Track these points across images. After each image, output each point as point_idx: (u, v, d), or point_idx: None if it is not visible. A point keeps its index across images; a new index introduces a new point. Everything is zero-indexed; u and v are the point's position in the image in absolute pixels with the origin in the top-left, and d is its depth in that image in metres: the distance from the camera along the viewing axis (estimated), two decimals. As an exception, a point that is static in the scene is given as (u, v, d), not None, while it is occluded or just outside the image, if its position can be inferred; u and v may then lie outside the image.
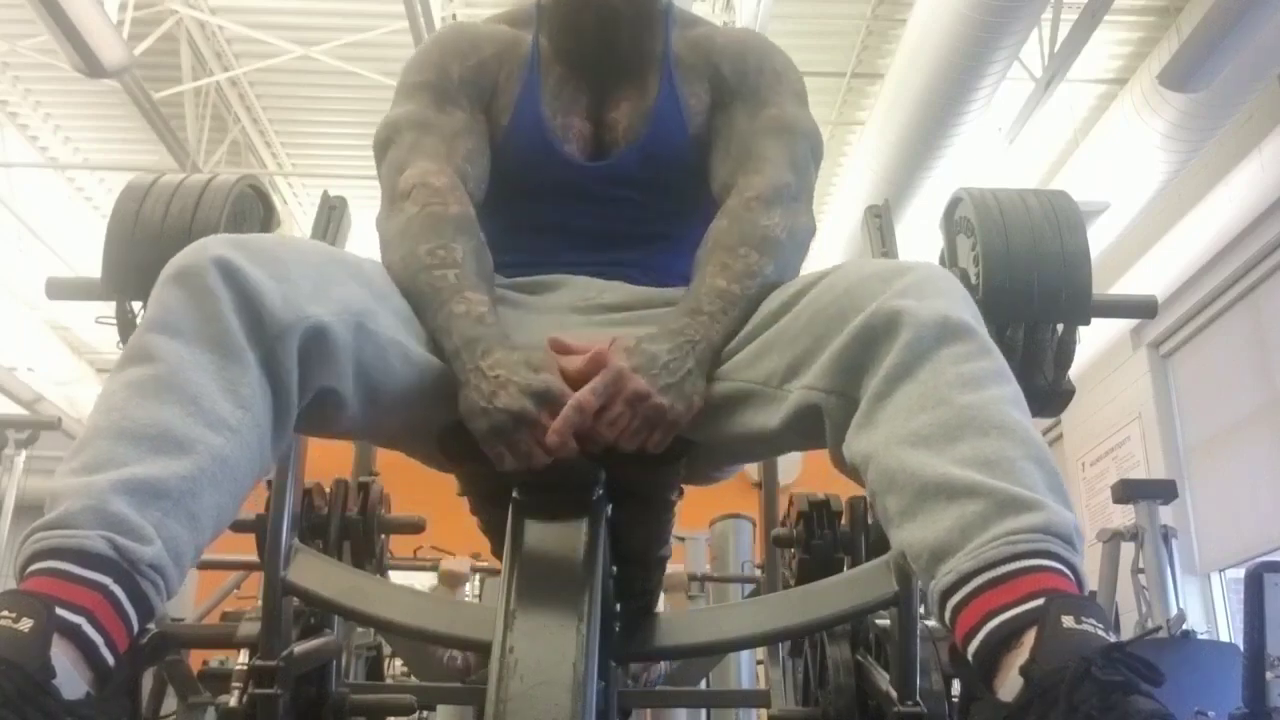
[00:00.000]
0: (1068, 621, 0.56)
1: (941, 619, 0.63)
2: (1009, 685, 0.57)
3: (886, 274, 0.75)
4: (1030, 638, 0.57)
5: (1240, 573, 2.70)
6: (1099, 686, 0.53)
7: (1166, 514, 3.09)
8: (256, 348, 0.70)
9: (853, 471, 0.73)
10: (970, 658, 0.60)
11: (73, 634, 0.58)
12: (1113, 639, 0.56)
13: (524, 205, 1.02)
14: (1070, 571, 0.60)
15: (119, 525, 0.61)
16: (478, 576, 3.43)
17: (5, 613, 0.56)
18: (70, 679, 0.57)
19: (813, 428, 0.76)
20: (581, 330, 0.90)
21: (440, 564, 2.86)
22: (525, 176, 1.01)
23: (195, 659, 3.27)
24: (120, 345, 1.09)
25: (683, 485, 1.00)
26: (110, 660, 0.60)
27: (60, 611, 0.58)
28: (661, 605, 1.26)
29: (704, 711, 2.87)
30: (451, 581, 2.91)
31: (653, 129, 1.01)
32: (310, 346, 0.72)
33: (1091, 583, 3.57)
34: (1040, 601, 0.58)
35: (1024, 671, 0.55)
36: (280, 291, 0.72)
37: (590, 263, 1.00)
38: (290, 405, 0.73)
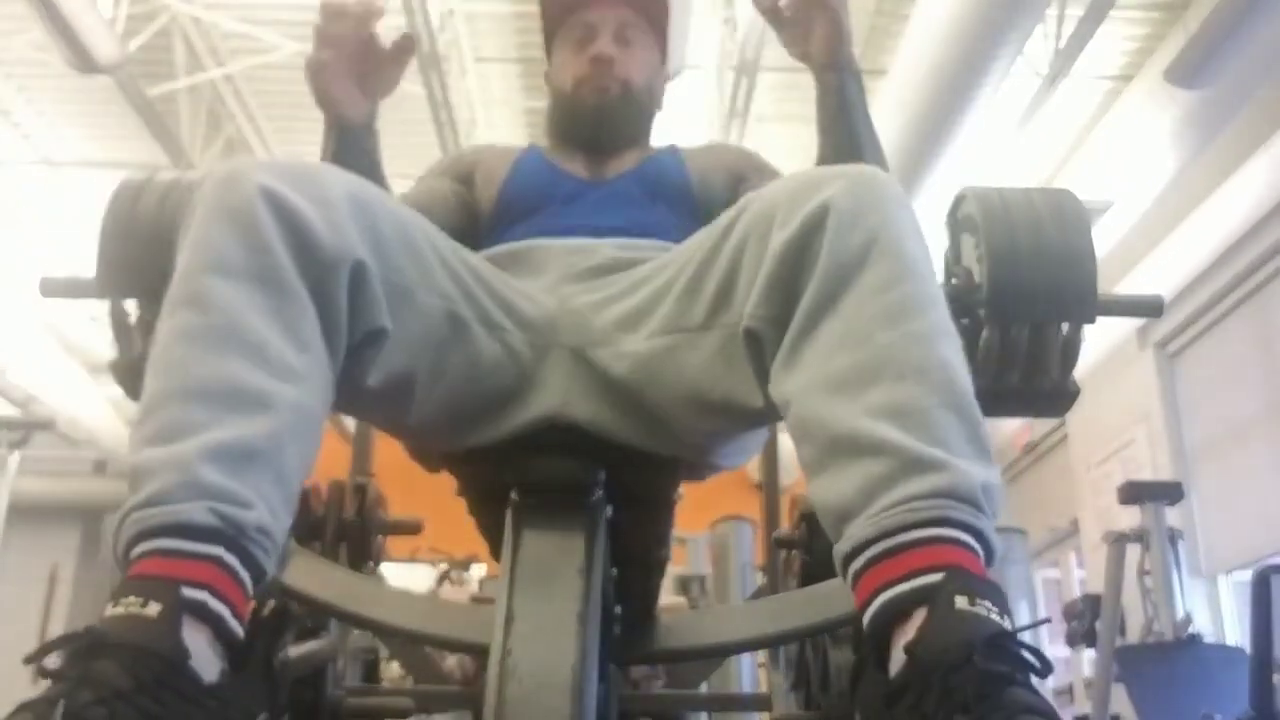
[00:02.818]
0: (961, 602, 0.55)
1: (844, 579, 0.62)
2: (896, 660, 0.56)
3: (815, 182, 0.72)
4: (919, 615, 0.56)
5: (1247, 576, 2.68)
6: (978, 675, 0.51)
7: (1173, 516, 3.08)
8: (307, 280, 0.68)
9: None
10: (865, 628, 0.59)
11: (198, 611, 0.57)
12: (1006, 624, 0.55)
13: (523, 225, 1.07)
14: (973, 537, 0.59)
15: (219, 494, 0.59)
16: (476, 579, 3.42)
17: (131, 598, 0.55)
18: (205, 659, 0.56)
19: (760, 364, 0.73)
20: (580, 298, 0.89)
21: (438, 595, 2.85)
22: (524, 198, 1.10)
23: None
24: (115, 344, 1.08)
25: (684, 480, 0.99)
26: (239, 631, 0.59)
27: (184, 591, 0.56)
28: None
29: (704, 715, 2.86)
30: None
31: (651, 161, 1.15)
32: (358, 278, 0.71)
33: (1097, 585, 3.55)
34: (934, 578, 0.56)
35: (908, 650, 0.54)
36: (324, 217, 0.69)
37: (578, 231, 1.02)
38: (341, 345, 0.71)
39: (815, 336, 0.67)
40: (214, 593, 0.57)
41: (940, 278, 1.06)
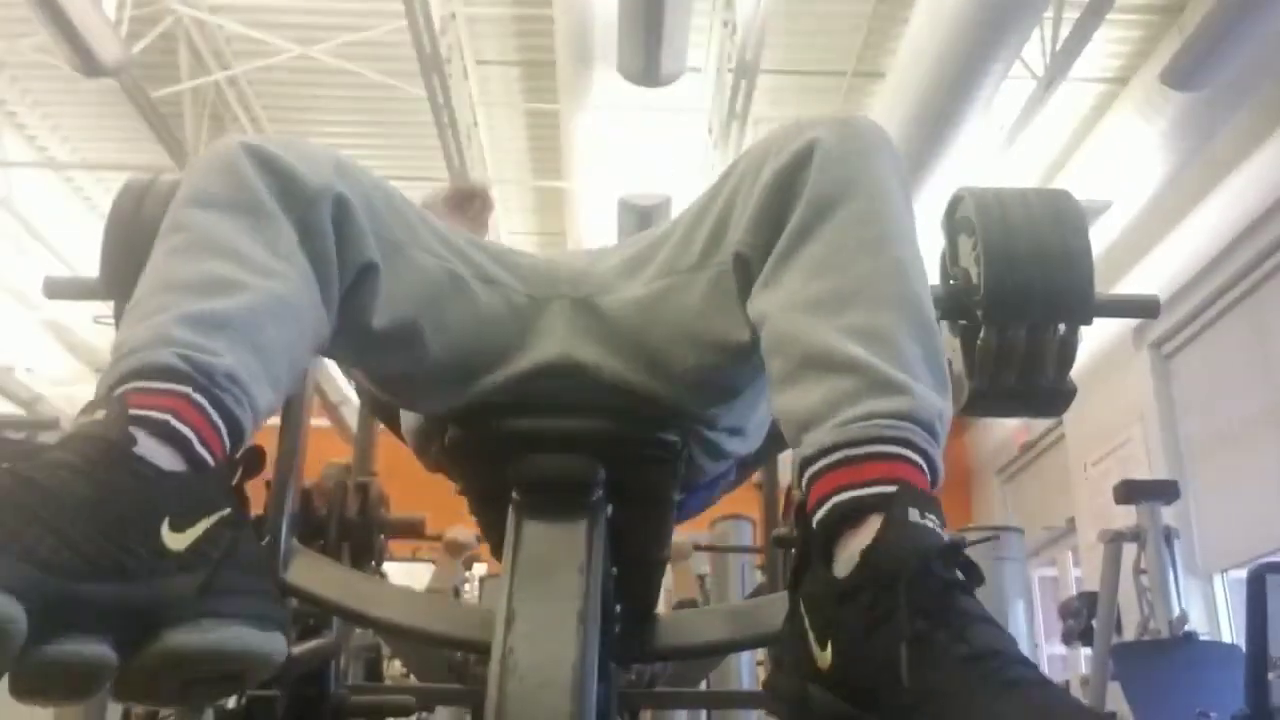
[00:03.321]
0: (913, 514, 0.58)
1: (798, 485, 0.65)
2: (844, 562, 0.59)
3: (805, 124, 0.75)
4: (872, 521, 0.59)
5: (1243, 574, 2.69)
6: (940, 583, 0.55)
7: (1169, 515, 3.09)
8: (290, 214, 0.71)
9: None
10: (814, 525, 0.62)
11: (161, 430, 0.57)
12: (948, 538, 0.58)
13: None
14: (924, 460, 0.63)
15: (187, 344, 0.61)
16: (477, 577, 3.43)
17: (80, 417, 0.57)
18: (166, 458, 0.56)
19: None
20: (578, 256, 0.92)
21: (445, 533, 2.85)
22: None
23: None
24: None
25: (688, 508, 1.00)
26: (209, 459, 0.59)
27: (142, 411, 0.57)
28: (667, 576, 1.26)
29: (704, 712, 2.87)
30: (455, 551, 2.91)
31: None
32: (341, 215, 0.73)
33: (1093, 583, 3.56)
34: (887, 489, 0.60)
35: (865, 554, 0.57)
36: (306, 165, 0.73)
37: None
38: (332, 276, 0.73)
39: (795, 259, 0.71)
40: (179, 417, 0.58)
41: (937, 278, 1.08)
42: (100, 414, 0.56)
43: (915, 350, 0.66)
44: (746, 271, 0.75)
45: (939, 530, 0.58)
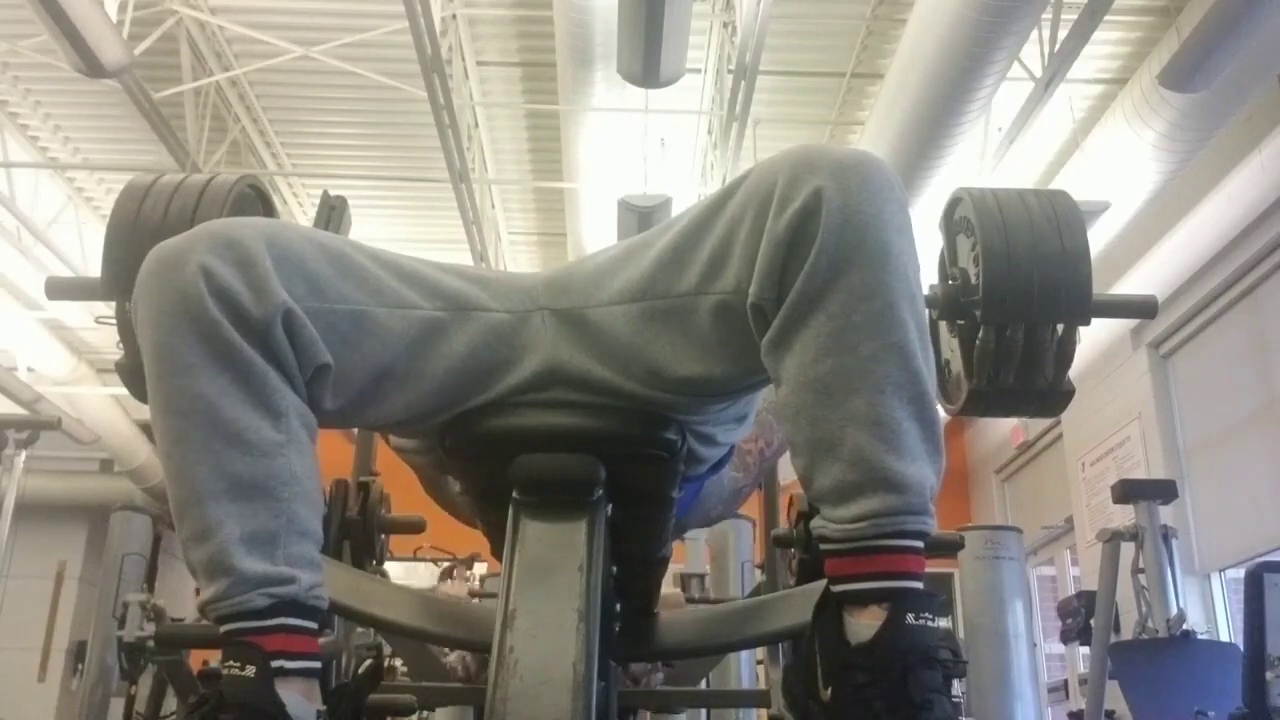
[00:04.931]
0: (909, 619, 0.70)
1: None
2: (852, 629, 0.71)
3: (810, 165, 0.74)
4: (873, 610, 0.70)
5: (1240, 573, 2.69)
6: (924, 681, 0.67)
7: (1166, 514, 3.09)
8: (258, 347, 0.75)
9: None
10: (829, 595, 0.73)
11: (283, 672, 0.72)
12: (941, 623, 0.70)
13: None
14: (918, 538, 0.72)
15: (264, 581, 0.73)
16: (477, 577, 3.43)
17: (233, 662, 0.72)
18: (300, 707, 0.72)
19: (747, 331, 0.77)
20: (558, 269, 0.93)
21: (436, 589, 2.86)
22: None
23: (195, 659, 3.27)
24: (120, 346, 1.09)
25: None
26: (317, 665, 0.75)
27: (269, 659, 0.72)
28: None
29: (704, 711, 2.87)
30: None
31: None
32: (291, 325, 0.76)
33: (1091, 583, 3.56)
34: (885, 584, 0.71)
35: (866, 646, 0.69)
36: (249, 284, 0.74)
37: None
38: (300, 381, 0.77)
39: (804, 329, 0.73)
40: (290, 655, 0.73)
41: (935, 278, 1.08)
42: (250, 671, 0.71)
43: (912, 428, 0.72)
44: (762, 318, 0.76)
45: (929, 625, 0.70)
